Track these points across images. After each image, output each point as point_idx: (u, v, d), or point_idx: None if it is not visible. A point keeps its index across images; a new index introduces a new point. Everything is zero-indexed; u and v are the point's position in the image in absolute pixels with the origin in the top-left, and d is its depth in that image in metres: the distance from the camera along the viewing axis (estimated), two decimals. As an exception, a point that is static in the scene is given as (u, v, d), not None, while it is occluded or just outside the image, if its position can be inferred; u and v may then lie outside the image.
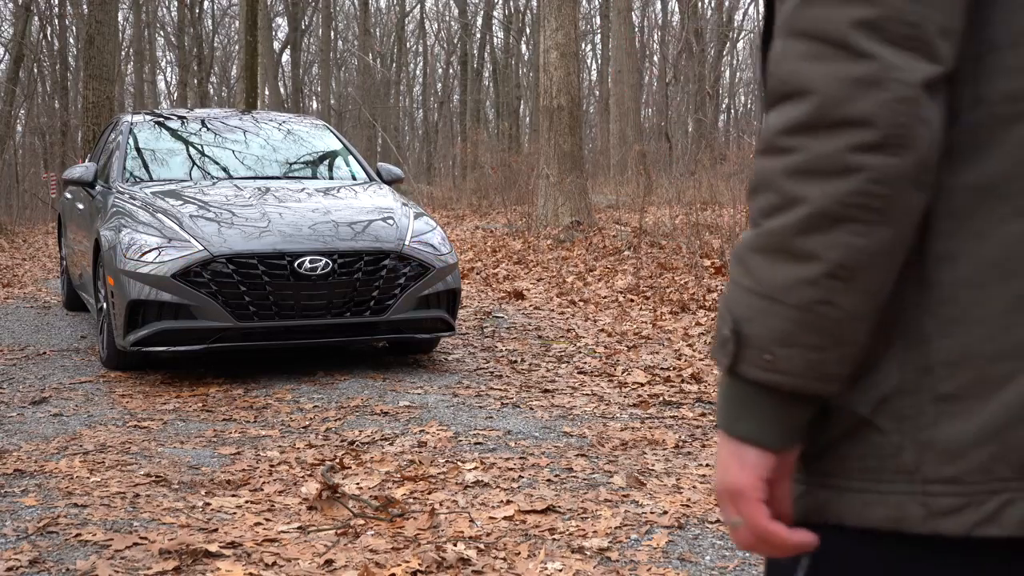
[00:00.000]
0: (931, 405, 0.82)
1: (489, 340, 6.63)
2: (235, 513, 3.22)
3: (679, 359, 5.93)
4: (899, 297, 0.83)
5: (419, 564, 2.77)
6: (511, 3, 38.05)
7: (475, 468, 3.72)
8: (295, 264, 5.21)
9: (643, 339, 6.60)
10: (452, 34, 41.25)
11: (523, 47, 37.70)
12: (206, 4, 36.79)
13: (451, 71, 41.74)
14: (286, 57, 36.98)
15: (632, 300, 8.15)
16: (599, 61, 38.18)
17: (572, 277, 9.46)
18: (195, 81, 34.45)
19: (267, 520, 3.15)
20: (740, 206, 11.68)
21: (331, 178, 6.97)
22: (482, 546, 2.92)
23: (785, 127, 0.80)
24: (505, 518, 3.16)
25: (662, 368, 5.67)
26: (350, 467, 3.72)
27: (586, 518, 3.18)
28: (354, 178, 6.86)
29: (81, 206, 7.02)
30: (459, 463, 3.79)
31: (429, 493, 3.44)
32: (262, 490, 3.47)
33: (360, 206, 5.94)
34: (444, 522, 3.13)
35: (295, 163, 7.02)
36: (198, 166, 6.69)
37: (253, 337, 5.29)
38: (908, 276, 0.83)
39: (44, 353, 6.22)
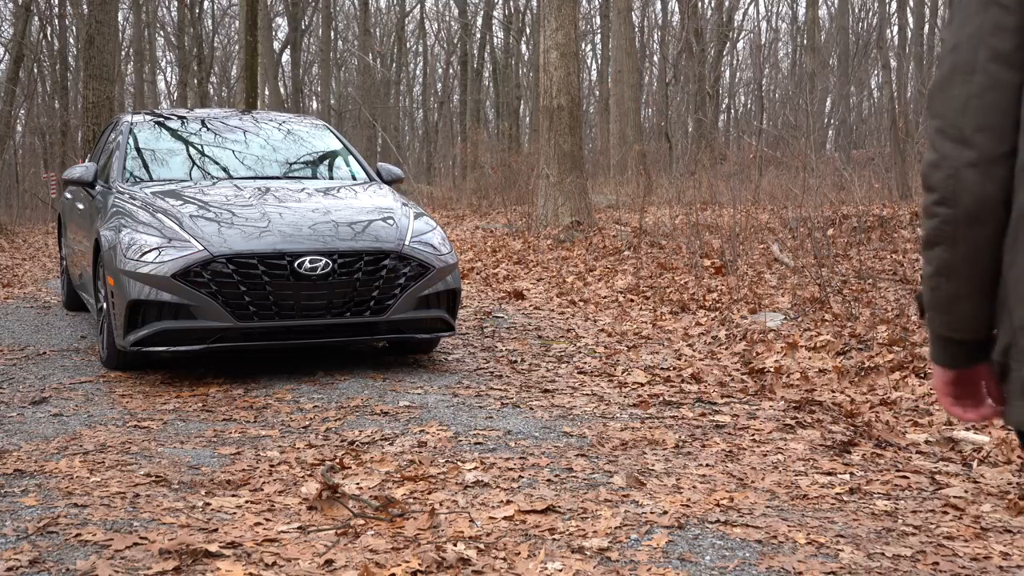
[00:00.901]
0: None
1: (489, 340, 6.63)
2: (235, 513, 3.22)
3: (679, 359, 5.93)
4: (1001, 286, 1.34)
5: (419, 564, 2.77)
6: (511, 3, 38.05)
7: (475, 468, 3.73)
8: (295, 264, 5.21)
9: (643, 339, 6.60)
10: (452, 34, 41.25)
11: (523, 47, 37.69)
12: (206, 4, 36.79)
13: (451, 71, 41.74)
14: (286, 57, 37.00)
15: (632, 300, 8.15)
16: (599, 61, 38.18)
17: (572, 277, 9.46)
18: (195, 81, 34.45)
19: (267, 520, 3.15)
20: (740, 206, 11.68)
21: (331, 178, 6.97)
22: (482, 546, 2.92)
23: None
24: (505, 518, 3.16)
25: (662, 368, 5.67)
26: (350, 467, 3.72)
27: (586, 518, 3.18)
28: (354, 178, 6.86)
29: (81, 206, 7.02)
30: (459, 463, 3.79)
31: (429, 493, 3.44)
32: (262, 490, 3.47)
33: (360, 206, 5.94)
34: (444, 522, 3.13)
35: (295, 163, 7.02)
36: (198, 166, 6.69)
37: (253, 337, 5.29)
38: (1002, 273, 1.33)
39: (44, 353, 6.22)
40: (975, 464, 3.80)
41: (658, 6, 36.23)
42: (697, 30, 25.75)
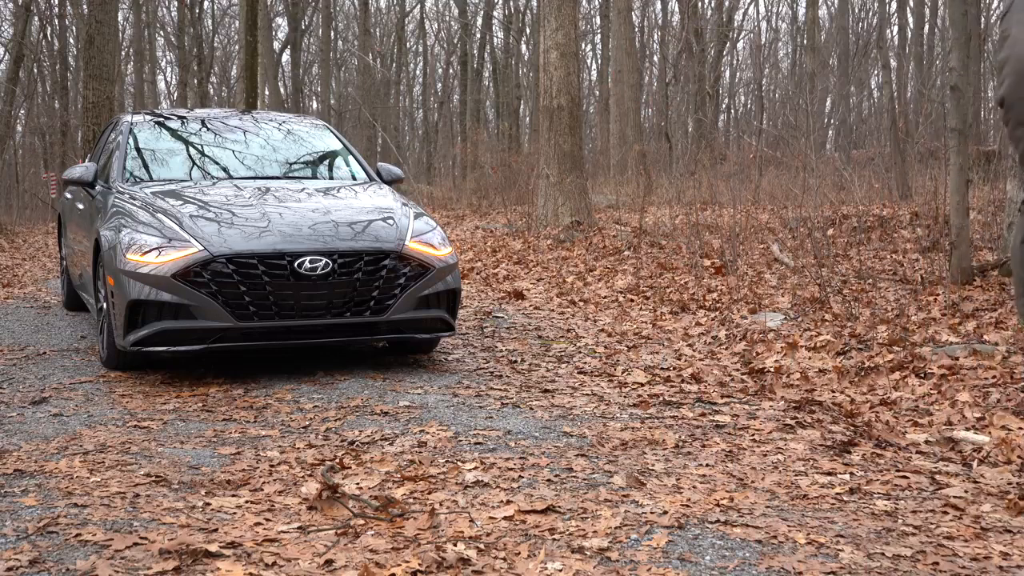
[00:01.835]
0: None
1: (489, 340, 6.63)
2: (235, 513, 3.22)
3: (679, 359, 5.94)
4: None
5: (419, 564, 2.77)
6: (511, 3, 38.05)
7: (475, 468, 3.73)
8: (295, 264, 5.21)
9: (643, 339, 6.60)
10: (452, 34, 41.25)
11: (523, 47, 37.69)
12: (206, 4, 36.80)
13: (451, 71, 41.73)
14: (286, 57, 37.00)
15: (632, 300, 8.15)
16: (599, 61, 38.17)
17: (572, 277, 9.46)
18: (195, 81, 34.45)
19: (267, 520, 3.15)
20: (740, 206, 11.68)
21: (331, 178, 6.97)
22: (482, 546, 2.92)
23: None
24: (505, 518, 3.16)
25: (662, 368, 5.67)
26: (350, 467, 3.72)
27: (586, 518, 3.18)
28: (354, 178, 6.86)
29: (81, 206, 7.02)
30: (459, 463, 3.79)
31: (429, 493, 3.44)
32: (262, 490, 3.47)
33: (360, 206, 5.94)
34: (444, 522, 3.13)
35: (295, 163, 7.02)
36: (198, 166, 6.69)
37: (253, 337, 5.29)
38: None
39: (44, 353, 6.22)
40: (975, 464, 3.80)
41: (658, 6, 36.25)
42: (697, 30, 25.76)
